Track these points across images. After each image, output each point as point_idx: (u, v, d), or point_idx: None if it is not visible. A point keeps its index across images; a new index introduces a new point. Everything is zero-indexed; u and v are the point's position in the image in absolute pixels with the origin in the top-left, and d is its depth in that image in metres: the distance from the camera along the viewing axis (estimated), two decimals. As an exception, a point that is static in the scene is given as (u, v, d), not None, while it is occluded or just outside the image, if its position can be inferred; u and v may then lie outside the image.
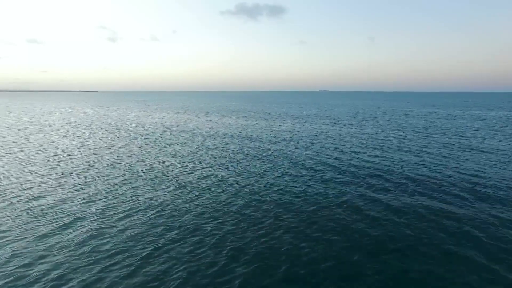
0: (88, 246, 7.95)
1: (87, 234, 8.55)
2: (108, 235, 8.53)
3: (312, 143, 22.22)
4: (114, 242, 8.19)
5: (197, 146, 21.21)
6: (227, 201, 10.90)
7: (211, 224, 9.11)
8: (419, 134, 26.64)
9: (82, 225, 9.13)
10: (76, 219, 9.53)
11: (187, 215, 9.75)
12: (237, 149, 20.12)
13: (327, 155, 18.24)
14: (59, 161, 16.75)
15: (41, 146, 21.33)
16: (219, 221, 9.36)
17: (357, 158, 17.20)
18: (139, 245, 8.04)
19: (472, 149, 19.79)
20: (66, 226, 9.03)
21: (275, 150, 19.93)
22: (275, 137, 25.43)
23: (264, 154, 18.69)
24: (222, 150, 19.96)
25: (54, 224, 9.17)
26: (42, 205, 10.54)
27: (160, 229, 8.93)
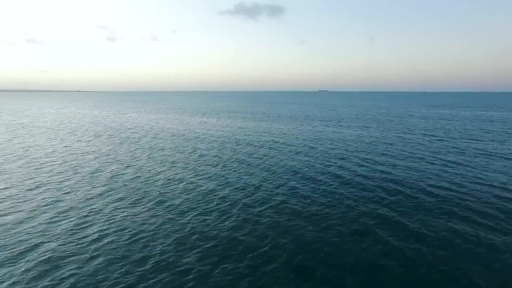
0: (47, 282, 6.52)
1: (47, 265, 7.11)
2: (72, 265, 7.09)
3: (313, 148, 20.77)
4: (78, 275, 6.75)
5: (189, 152, 19.75)
6: (218, 220, 9.43)
7: (197, 252, 7.65)
8: (428, 137, 25.18)
9: (45, 251, 7.68)
10: (39, 243, 8.07)
11: (170, 239, 8.30)
12: (232, 155, 18.67)
13: (330, 161, 16.78)
14: (37, 168, 15.29)
15: (24, 150, 19.87)
16: (207, 246, 7.90)
17: (364, 166, 15.74)
18: (110, 279, 6.61)
19: (487, 154, 18.33)
20: (24, 254, 7.58)
21: (274, 156, 18.47)
22: (274, 141, 23.99)
23: (262, 161, 17.23)
24: (216, 156, 18.50)
25: (11, 250, 7.72)
26: (2, 225, 9.09)
27: (136, 256, 7.49)
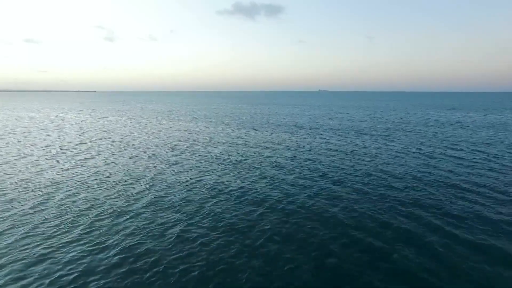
0: None
1: None
2: None
3: (334, 190, 13.43)
4: None
5: (141, 179, 12.38)
6: None
7: None
8: (493, 160, 17.80)
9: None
10: None
11: None
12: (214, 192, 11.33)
13: (375, 210, 9.44)
14: None
15: None
16: None
17: (436, 219, 8.39)
18: None
19: None
20: None
21: (268, 208, 11.16)
22: (275, 176, 16.69)
23: (255, 207, 9.88)
24: (185, 201, 11.17)
25: None
26: None
27: None
